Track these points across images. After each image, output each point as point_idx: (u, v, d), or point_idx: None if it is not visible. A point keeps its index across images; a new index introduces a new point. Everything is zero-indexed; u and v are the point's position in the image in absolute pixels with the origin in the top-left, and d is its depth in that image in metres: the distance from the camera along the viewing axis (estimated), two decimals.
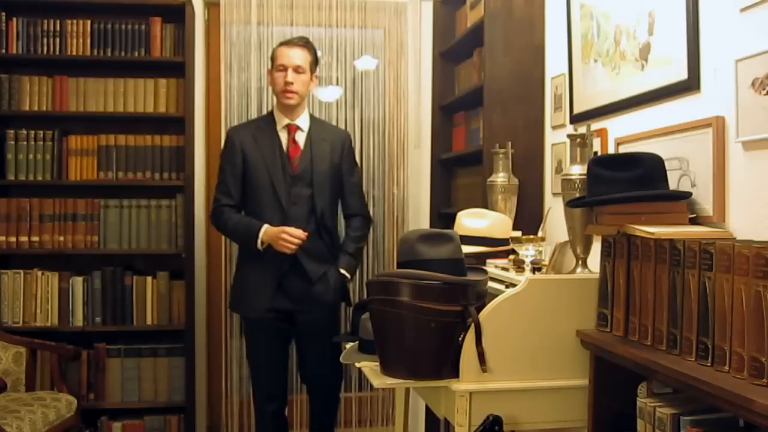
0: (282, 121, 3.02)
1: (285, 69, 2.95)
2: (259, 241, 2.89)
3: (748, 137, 1.75)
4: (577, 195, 2.13)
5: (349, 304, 3.14)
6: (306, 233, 2.87)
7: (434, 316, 1.99)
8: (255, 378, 3.12)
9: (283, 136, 3.01)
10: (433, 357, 2.02)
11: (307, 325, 3.03)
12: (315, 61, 3.05)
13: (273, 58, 3.03)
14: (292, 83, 2.94)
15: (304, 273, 2.95)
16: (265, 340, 3.03)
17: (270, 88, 3.15)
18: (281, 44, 3.02)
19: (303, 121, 3.04)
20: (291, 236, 2.83)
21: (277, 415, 3.12)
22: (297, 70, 2.95)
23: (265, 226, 2.89)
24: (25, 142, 3.56)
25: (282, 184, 2.94)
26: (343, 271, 3.03)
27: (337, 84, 3.88)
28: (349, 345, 2.48)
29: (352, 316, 2.49)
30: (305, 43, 3.01)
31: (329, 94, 3.89)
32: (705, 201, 1.91)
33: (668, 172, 1.97)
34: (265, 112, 3.72)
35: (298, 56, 2.96)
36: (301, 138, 3.02)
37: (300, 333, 3.09)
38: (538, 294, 2.07)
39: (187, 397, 3.58)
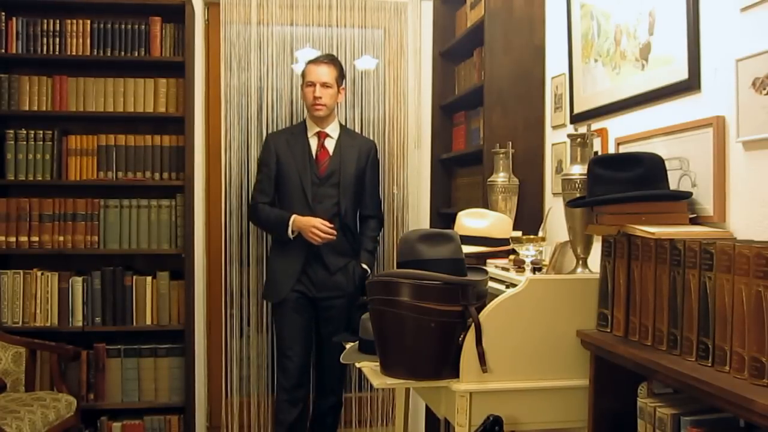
0: (313, 128, 3.35)
1: (313, 85, 3.27)
2: (289, 230, 3.21)
3: (748, 137, 1.75)
4: (578, 195, 2.13)
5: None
6: (335, 231, 3.19)
7: (434, 316, 1.98)
8: (280, 351, 3.34)
9: (314, 142, 3.34)
10: (433, 357, 2.02)
11: (330, 311, 3.29)
12: (341, 76, 3.38)
13: (303, 75, 3.37)
14: (320, 97, 3.27)
15: (325, 264, 3.26)
16: (291, 314, 3.27)
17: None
18: (310, 62, 3.36)
19: (332, 129, 3.38)
20: (320, 230, 3.15)
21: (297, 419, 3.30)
22: (324, 85, 3.27)
23: (294, 216, 3.22)
24: (24, 142, 3.56)
25: (309, 184, 3.26)
26: (365, 265, 3.34)
27: None
28: (349, 345, 2.48)
29: (353, 316, 2.49)
30: (331, 60, 3.34)
31: None
32: (705, 201, 1.91)
33: (668, 172, 1.96)
34: (264, 112, 3.76)
35: (324, 73, 3.28)
36: (330, 144, 3.35)
37: (321, 318, 3.33)
38: (538, 294, 2.07)
39: (186, 397, 3.57)
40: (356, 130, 3.81)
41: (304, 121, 3.42)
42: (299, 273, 3.26)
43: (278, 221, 3.26)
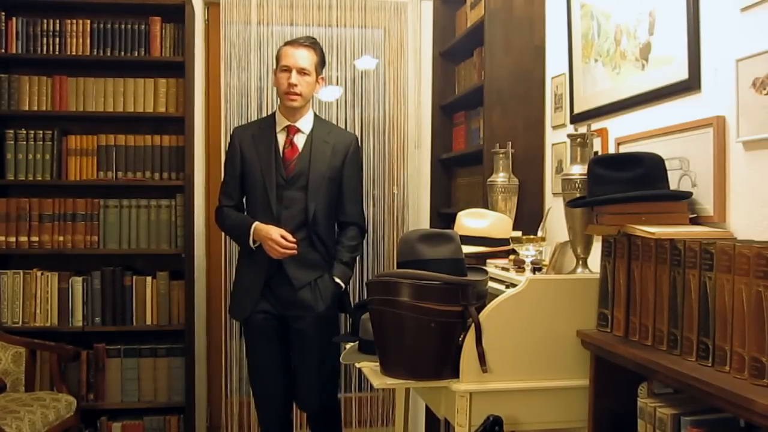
0: (282, 122, 2.93)
1: (289, 70, 2.85)
2: (251, 239, 2.85)
3: (748, 137, 1.75)
4: (578, 195, 2.13)
5: (349, 313, 2.95)
6: (296, 246, 2.79)
7: (434, 316, 1.98)
8: (253, 383, 3.02)
9: (281, 138, 2.92)
10: (433, 357, 2.02)
11: (301, 334, 2.89)
12: (322, 63, 2.96)
13: (278, 58, 2.93)
14: (296, 85, 2.84)
15: (288, 279, 2.85)
16: (258, 340, 2.93)
17: (272, 88, 3.16)
18: (287, 44, 2.93)
19: (305, 122, 2.94)
20: (277, 243, 2.77)
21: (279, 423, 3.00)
22: (302, 72, 2.86)
23: (255, 224, 2.84)
24: (24, 142, 3.56)
25: (274, 186, 2.85)
26: (337, 279, 2.90)
27: (337, 84, 3.88)
28: (349, 345, 2.48)
29: (352, 316, 2.48)
30: (311, 44, 2.92)
31: (329, 94, 3.89)
32: (705, 201, 1.91)
33: (669, 172, 1.96)
34: (265, 112, 3.74)
35: (303, 57, 2.86)
36: (300, 140, 2.92)
37: (294, 344, 2.95)
38: (538, 294, 2.07)
39: (186, 397, 3.57)
40: (356, 130, 3.80)
41: (275, 113, 2.99)
42: (262, 287, 2.87)
43: (240, 228, 2.88)
